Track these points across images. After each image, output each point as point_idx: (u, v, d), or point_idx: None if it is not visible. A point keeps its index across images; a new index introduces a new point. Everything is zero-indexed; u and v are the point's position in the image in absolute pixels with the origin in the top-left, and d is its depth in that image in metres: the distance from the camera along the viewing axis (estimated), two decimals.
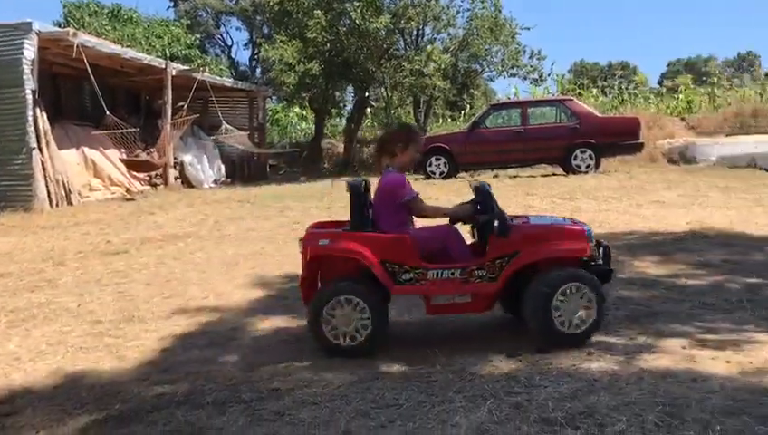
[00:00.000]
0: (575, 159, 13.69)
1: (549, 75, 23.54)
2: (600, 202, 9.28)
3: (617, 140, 13.84)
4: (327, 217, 9.29)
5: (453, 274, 3.83)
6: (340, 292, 3.83)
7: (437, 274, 3.83)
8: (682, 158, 17.39)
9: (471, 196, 4.20)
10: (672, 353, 3.62)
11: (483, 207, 3.98)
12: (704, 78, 30.93)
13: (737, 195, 9.49)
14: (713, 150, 16.96)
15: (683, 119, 22.29)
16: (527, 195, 10.06)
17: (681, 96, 25.46)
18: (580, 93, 25.18)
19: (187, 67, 18.04)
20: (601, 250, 4.04)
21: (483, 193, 3.98)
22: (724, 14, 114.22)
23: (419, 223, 4.29)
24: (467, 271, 3.82)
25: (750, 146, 16.76)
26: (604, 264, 4.04)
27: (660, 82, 44.95)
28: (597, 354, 3.66)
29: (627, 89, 27.75)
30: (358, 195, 3.93)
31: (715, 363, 3.43)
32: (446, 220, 4.26)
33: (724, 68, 58.33)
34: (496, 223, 3.78)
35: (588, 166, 13.63)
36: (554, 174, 14.13)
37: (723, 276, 5.27)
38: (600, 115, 15.53)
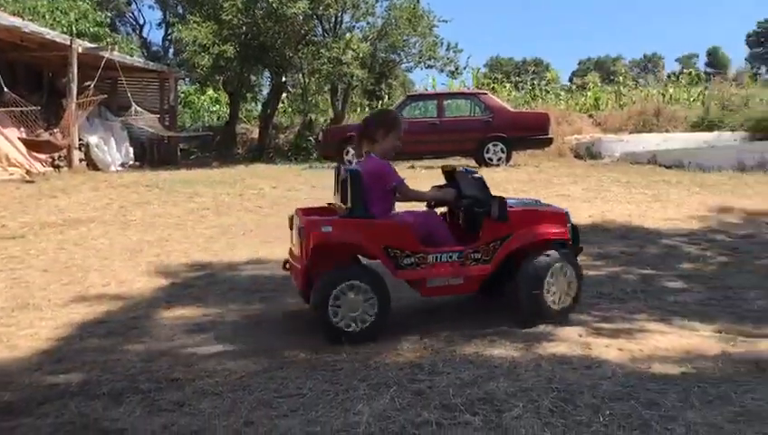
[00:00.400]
0: (487, 151, 14.00)
1: (465, 68, 23.98)
2: (509, 194, 9.49)
3: (527, 134, 14.26)
4: (239, 204, 9.17)
5: (451, 257, 3.96)
6: (347, 277, 3.81)
7: (437, 257, 3.94)
8: (588, 153, 18.08)
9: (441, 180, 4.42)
10: (569, 341, 3.76)
11: (461, 191, 4.24)
12: (611, 77, 32.22)
13: (638, 190, 9.94)
14: (617, 147, 17.74)
15: (590, 116, 23.18)
16: None
17: (589, 94, 26.46)
18: (494, 88, 25.78)
19: (95, 45, 17.28)
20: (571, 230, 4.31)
21: (477, 180, 4.11)
22: (633, 17, 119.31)
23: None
24: (464, 254, 3.97)
25: (652, 144, 17.65)
26: (574, 242, 4.31)
27: (571, 80, 46.50)
28: (498, 342, 3.75)
29: (539, 85, 28.59)
30: (357, 181, 3.89)
31: (609, 351, 3.59)
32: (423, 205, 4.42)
33: (631, 68, 60.99)
34: (496, 208, 3.96)
35: (499, 159, 13.97)
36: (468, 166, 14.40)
37: (620, 268, 5.52)
38: (512, 110, 15.93)
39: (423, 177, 11.24)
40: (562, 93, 28.12)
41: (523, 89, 28.27)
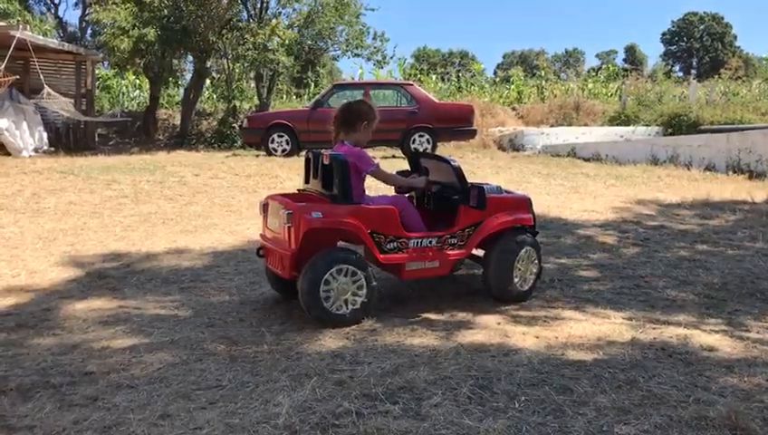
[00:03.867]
0: (413, 142, 14.11)
1: (392, 58, 24.03)
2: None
3: (452, 125, 14.45)
4: (159, 192, 8.91)
5: (431, 242, 4.15)
6: (336, 261, 3.88)
7: (418, 242, 4.11)
8: (511, 145, 18.48)
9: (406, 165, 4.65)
10: (488, 329, 3.85)
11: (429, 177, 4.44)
12: (534, 71, 32.99)
13: (557, 181, 10.23)
14: (539, 139, 18.19)
15: (514, 108, 23.68)
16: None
17: (513, 87, 27.03)
18: (420, 79, 25.97)
19: (4, 24, 16.39)
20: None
21: (455, 168, 4.26)
22: (556, 12, 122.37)
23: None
24: (443, 239, 4.17)
25: (571, 137, 18.20)
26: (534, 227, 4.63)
27: (495, 73, 47.39)
28: (420, 331, 3.80)
29: (464, 77, 28.98)
30: (345, 168, 3.96)
31: (525, 338, 3.69)
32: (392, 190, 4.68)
33: (553, 62, 62.57)
34: (475, 196, 4.19)
35: (425, 149, 14.09)
36: (394, 156, 14.46)
37: None
38: (437, 101, 16.07)
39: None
40: (487, 86, 28.62)
41: (448, 81, 28.61)
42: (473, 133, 15.11)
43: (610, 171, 11.56)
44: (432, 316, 4.07)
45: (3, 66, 14.44)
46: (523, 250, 4.36)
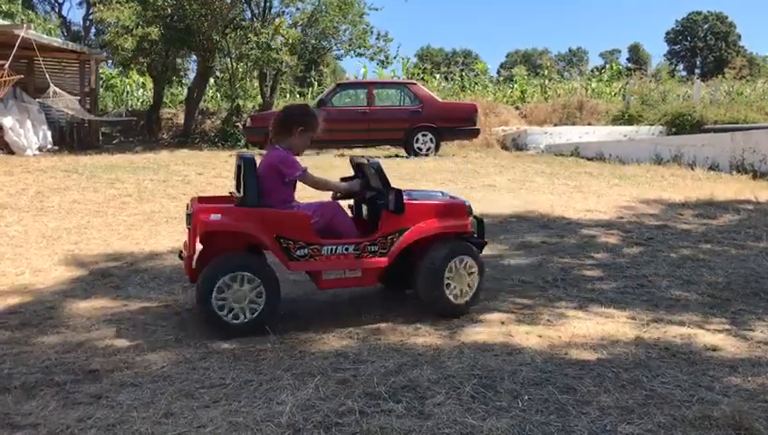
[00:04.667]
0: (417, 141, 14.11)
1: (395, 58, 23.99)
2: (438, 184, 9.62)
3: (455, 124, 14.45)
4: (163, 191, 8.93)
5: (347, 249, 3.91)
6: (230, 269, 3.70)
7: (332, 249, 3.89)
8: (514, 144, 18.47)
9: (315, 173, 4.20)
10: (491, 328, 3.85)
11: (367, 182, 4.25)
12: (538, 70, 32.96)
13: (560, 181, 10.22)
14: (542, 139, 18.19)
15: (517, 108, 23.65)
16: None
17: (516, 86, 26.98)
18: (424, 78, 25.95)
19: (9, 22, 16.44)
20: (476, 223, 4.32)
21: (376, 170, 4.06)
22: (560, 11, 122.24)
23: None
24: (361, 246, 3.92)
25: (575, 136, 18.19)
26: (480, 235, 4.33)
27: (499, 72, 47.35)
28: (423, 330, 3.81)
29: (468, 76, 28.95)
30: (251, 169, 3.83)
31: (529, 337, 3.69)
32: (329, 195, 4.44)
33: (557, 61, 62.56)
34: (392, 199, 3.93)
35: (428, 149, 14.10)
36: (397, 155, 14.48)
37: (541, 257, 5.67)
38: (440, 100, 16.08)
39: (347, 166, 11.23)
40: (490, 85, 28.60)
41: (452, 80, 28.57)
42: (476, 133, 15.10)
43: (614, 171, 11.55)
44: (436, 316, 4.06)
45: (7, 65, 14.47)
46: (456, 260, 4.03)
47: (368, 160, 4.26)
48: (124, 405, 2.82)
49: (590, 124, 20.80)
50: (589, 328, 3.85)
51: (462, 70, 31.53)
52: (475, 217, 4.31)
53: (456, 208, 4.19)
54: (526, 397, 2.88)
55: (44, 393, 2.95)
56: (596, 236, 6.44)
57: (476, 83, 27.79)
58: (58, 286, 4.77)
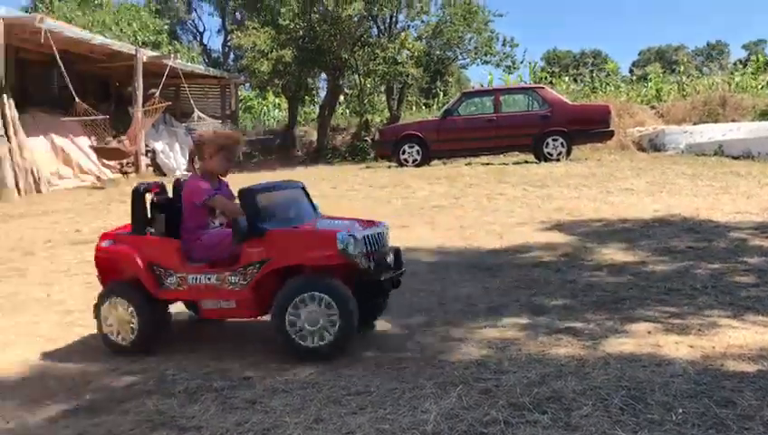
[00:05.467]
0: (547, 146, 13.80)
1: (522, 63, 23.68)
2: (571, 189, 9.39)
3: (588, 127, 13.99)
4: None
5: (209, 279, 3.81)
6: (110, 293, 3.99)
7: (196, 279, 3.83)
8: (651, 145, 17.62)
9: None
10: (637, 338, 3.70)
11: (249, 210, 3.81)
12: (673, 67, 31.31)
13: (704, 182, 9.65)
14: (681, 138, 17.22)
15: (653, 107, 22.54)
16: (499, 183, 10.14)
17: (651, 84, 25.74)
18: (552, 81, 25.37)
19: (158, 53, 17.81)
20: (392, 255, 3.91)
21: (246, 197, 3.78)
22: (695, 3, 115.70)
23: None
24: (222, 277, 3.78)
25: (718, 134, 17.07)
26: (394, 269, 3.91)
27: (631, 71, 45.42)
28: (565, 340, 3.73)
29: (598, 77, 28.00)
30: (137, 198, 4.04)
31: (679, 348, 3.52)
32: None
33: (694, 57, 59.11)
34: (236, 229, 3.72)
35: (559, 153, 13.76)
36: (526, 161, 14.25)
37: (688, 262, 5.38)
38: (571, 103, 15.66)
39: (479, 174, 11.19)
40: (623, 85, 27.44)
41: (582, 81, 27.74)
42: (610, 135, 14.55)
43: (764, 169, 10.74)
44: (577, 325, 3.96)
45: (157, 93, 15.67)
46: (305, 297, 3.55)
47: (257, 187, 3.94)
48: (277, 410, 2.97)
49: (734, 121, 19.47)
50: (746, 338, 3.61)
51: (592, 71, 30.58)
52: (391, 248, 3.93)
53: (321, 238, 3.72)
54: (680, 410, 2.74)
55: (205, 398, 3.16)
56: (748, 240, 6.02)
57: (608, 84, 26.77)
58: None
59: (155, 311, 3.95)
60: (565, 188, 9.60)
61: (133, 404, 3.13)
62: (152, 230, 4.08)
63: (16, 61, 14.16)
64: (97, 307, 4.00)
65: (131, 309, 3.89)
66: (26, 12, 18.82)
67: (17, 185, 11.96)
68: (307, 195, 4.23)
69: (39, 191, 12.25)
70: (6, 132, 11.96)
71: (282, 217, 3.92)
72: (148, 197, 4.15)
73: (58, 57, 12.61)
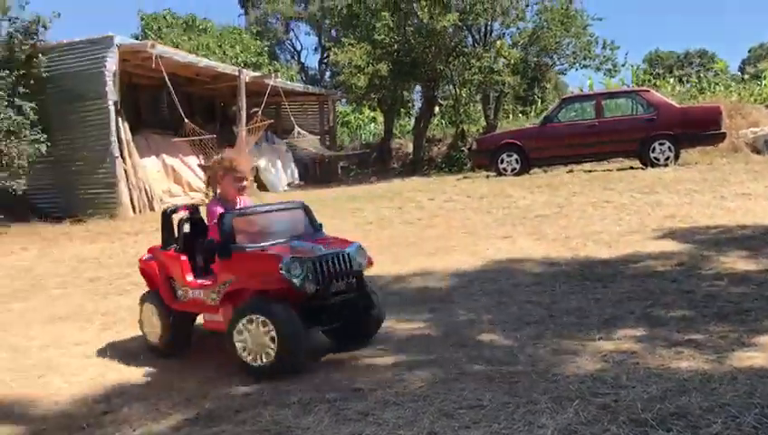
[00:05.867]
0: (653, 151, 13.24)
1: (623, 66, 22.91)
2: (682, 195, 8.96)
3: (697, 130, 13.32)
4: (399, 217, 9.34)
5: (199, 294, 4.12)
6: (146, 299, 4.49)
7: (192, 293, 4.18)
8: None
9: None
10: (766, 352, 3.47)
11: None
12: None
13: None
14: None
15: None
16: (604, 190, 9.81)
17: (765, 82, 24.30)
18: (656, 84, 24.42)
19: (260, 73, 18.45)
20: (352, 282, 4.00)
21: (219, 220, 3.97)
22: None
23: None
24: (206, 293, 4.06)
25: None
26: (356, 292, 4.01)
27: (742, 69, 42.99)
28: (687, 353, 3.54)
29: (705, 77, 26.71)
30: (164, 219, 4.54)
31: None
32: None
33: None
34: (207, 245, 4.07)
35: (667, 158, 13.17)
36: (632, 167, 13.73)
37: None
38: (677, 105, 14.98)
39: (582, 181, 10.87)
40: (733, 84, 26.01)
41: (688, 82, 26.53)
42: (721, 137, 13.79)
43: None
44: (698, 337, 3.76)
45: (260, 112, 16.22)
46: (245, 320, 3.69)
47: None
48: (390, 423, 2.96)
49: None
50: None
51: (698, 71, 29.21)
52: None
53: (267, 261, 3.79)
54: None
55: (318, 409, 3.20)
56: None
57: (717, 84, 25.46)
58: None
59: (173, 318, 4.29)
60: (675, 194, 9.17)
61: (250, 414, 3.21)
62: (176, 247, 4.43)
63: (129, 85, 15.04)
64: (140, 311, 4.52)
65: (156, 315, 4.35)
66: (137, 39, 19.93)
67: (132, 203, 12.65)
68: (308, 215, 4.38)
69: (152, 209, 12.90)
70: (122, 154, 12.68)
71: (263, 238, 4.07)
72: (176, 217, 4.59)
73: (168, 80, 13.27)
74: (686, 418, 2.74)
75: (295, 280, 3.66)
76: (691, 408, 2.82)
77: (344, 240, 4.25)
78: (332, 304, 3.90)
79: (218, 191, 4.44)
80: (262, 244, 3.98)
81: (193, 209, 4.63)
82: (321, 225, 4.41)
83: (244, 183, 4.35)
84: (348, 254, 3.98)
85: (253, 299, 3.82)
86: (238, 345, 3.73)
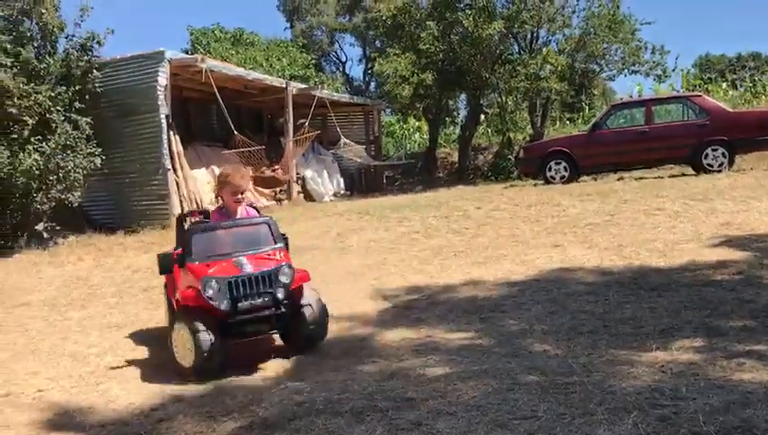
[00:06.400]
0: (706, 157, 12.93)
1: (673, 71, 22.44)
2: (738, 202, 8.70)
3: (752, 135, 12.95)
4: (446, 226, 9.30)
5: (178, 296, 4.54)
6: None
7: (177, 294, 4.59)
8: None
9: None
10: None
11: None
12: None
13: None
14: None
15: None
16: (656, 197, 9.59)
17: None
18: (707, 89, 23.87)
19: (306, 85, 18.66)
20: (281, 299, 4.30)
21: (183, 235, 4.59)
22: None
23: None
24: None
25: None
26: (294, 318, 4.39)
27: None
28: (749, 365, 3.43)
29: (760, 80, 25.97)
30: (178, 221, 5.11)
31: None
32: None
33: None
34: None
35: (720, 164, 12.84)
36: (684, 174, 13.42)
37: None
38: (731, 110, 14.60)
39: (633, 188, 10.67)
40: None
41: (741, 86, 25.85)
42: None
43: None
44: (761, 348, 3.64)
45: (306, 123, 16.39)
46: (176, 326, 4.28)
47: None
48: (443, 433, 2.94)
49: None
50: None
51: (753, 74, 28.42)
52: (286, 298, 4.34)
53: (194, 279, 4.27)
54: None
55: (371, 419, 3.19)
56: None
57: None
58: (367, 318, 5.20)
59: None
60: (731, 200, 8.91)
61: (303, 422, 3.23)
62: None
63: (180, 99, 15.36)
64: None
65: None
66: (187, 53, 20.37)
67: None
68: (270, 229, 4.60)
69: None
70: (173, 166, 12.95)
71: (221, 251, 4.44)
72: (188, 221, 5.11)
73: (217, 93, 13.52)
74: (752, 431, 2.66)
75: (211, 300, 4.16)
76: (756, 421, 2.73)
77: (280, 260, 4.43)
78: (245, 320, 4.27)
79: (221, 204, 4.94)
80: (209, 258, 4.36)
81: (204, 215, 5.23)
82: (286, 238, 4.68)
83: (240, 196, 4.78)
84: (269, 274, 4.28)
85: (180, 310, 4.40)
86: (173, 346, 4.28)
